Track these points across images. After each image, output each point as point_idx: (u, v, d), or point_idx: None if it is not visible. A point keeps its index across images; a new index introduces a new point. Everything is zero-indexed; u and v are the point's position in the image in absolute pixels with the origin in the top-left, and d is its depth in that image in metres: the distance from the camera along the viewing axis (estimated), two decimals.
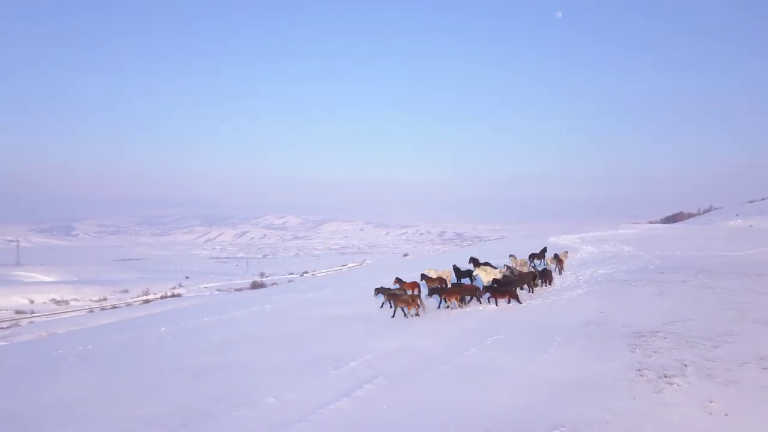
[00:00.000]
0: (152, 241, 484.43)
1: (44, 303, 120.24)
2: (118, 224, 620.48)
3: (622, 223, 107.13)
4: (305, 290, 35.80)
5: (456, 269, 27.29)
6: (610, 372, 12.99)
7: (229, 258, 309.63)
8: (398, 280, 24.36)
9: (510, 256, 31.09)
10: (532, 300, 23.03)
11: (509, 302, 21.78)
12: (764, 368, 12.74)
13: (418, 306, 21.06)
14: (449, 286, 24.15)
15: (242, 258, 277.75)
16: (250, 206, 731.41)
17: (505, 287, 22.56)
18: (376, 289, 23.05)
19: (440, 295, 22.53)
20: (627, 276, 28.06)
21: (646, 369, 12.90)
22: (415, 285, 23.71)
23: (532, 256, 33.49)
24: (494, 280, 23.28)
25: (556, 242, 52.78)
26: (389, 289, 22.61)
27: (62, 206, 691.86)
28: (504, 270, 25.75)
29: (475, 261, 29.42)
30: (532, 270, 27.05)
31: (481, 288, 23.02)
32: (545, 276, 26.47)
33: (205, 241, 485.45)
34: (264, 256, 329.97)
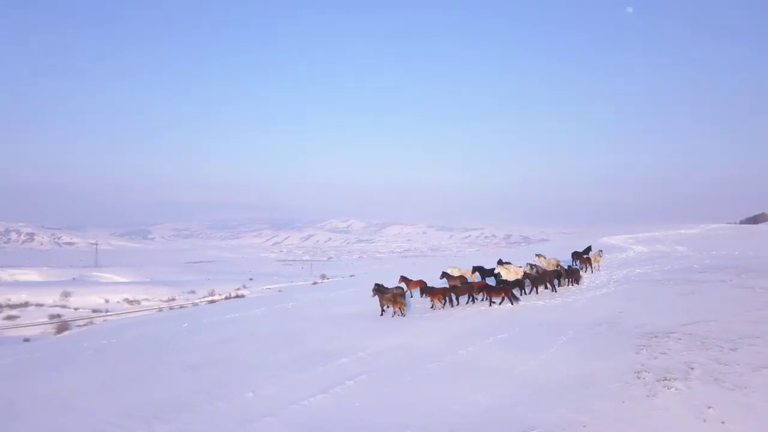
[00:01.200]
0: (222, 244, 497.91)
1: (118, 302, 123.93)
2: (191, 228, 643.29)
3: (689, 223, 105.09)
4: (332, 289, 36.67)
5: (480, 269, 27.07)
6: (606, 373, 12.37)
7: (294, 260, 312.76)
8: (403, 278, 24.36)
9: (537, 255, 30.52)
10: (552, 299, 22.54)
11: (502, 301, 21.51)
12: None
13: (401, 305, 21.06)
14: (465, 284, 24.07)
15: (307, 260, 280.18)
16: (315, 210, 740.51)
17: (502, 286, 22.40)
18: (376, 284, 22.53)
19: (426, 294, 22.52)
20: (663, 276, 26.96)
21: (645, 371, 12.20)
22: (420, 283, 23.68)
23: (576, 255, 32.41)
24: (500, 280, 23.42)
25: (606, 242, 51.84)
26: (383, 286, 22.38)
27: (140, 211, 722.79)
28: (526, 268, 25.46)
29: (499, 261, 28.57)
30: (557, 269, 26.26)
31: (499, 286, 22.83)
32: (572, 275, 25.82)
33: (273, 244, 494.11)
34: (328, 258, 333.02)
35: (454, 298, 22.89)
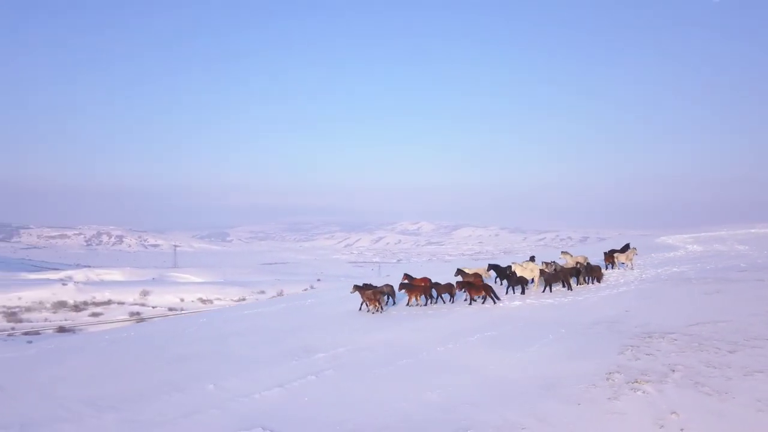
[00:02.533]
0: (296, 246, 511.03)
1: (192, 301, 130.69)
2: (267, 231, 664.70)
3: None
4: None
5: (496, 267, 26.73)
6: (577, 374, 11.69)
7: (365, 262, 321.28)
8: (407, 276, 24.41)
9: (563, 252, 29.96)
10: (564, 297, 21.72)
11: (485, 299, 21.24)
12: None
13: (378, 303, 21.47)
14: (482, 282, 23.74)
15: (377, 262, 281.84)
16: (385, 213, 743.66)
17: (482, 284, 22.45)
18: (354, 286, 23.19)
19: (404, 291, 22.49)
20: (698, 274, 24.99)
21: (620, 372, 11.47)
22: (425, 281, 23.34)
23: (611, 252, 30.87)
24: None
25: (662, 242, 50.39)
26: (370, 285, 23.06)
27: (220, 215, 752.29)
28: (542, 266, 24.87)
29: (531, 258, 28.78)
30: (577, 267, 25.42)
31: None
32: (592, 273, 24.94)
33: (345, 246, 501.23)
34: (398, 260, 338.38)
35: (435, 295, 22.93)
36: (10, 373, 16.01)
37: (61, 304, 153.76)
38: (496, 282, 26.77)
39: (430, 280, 23.42)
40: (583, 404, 10.10)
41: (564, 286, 23.67)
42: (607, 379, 11.23)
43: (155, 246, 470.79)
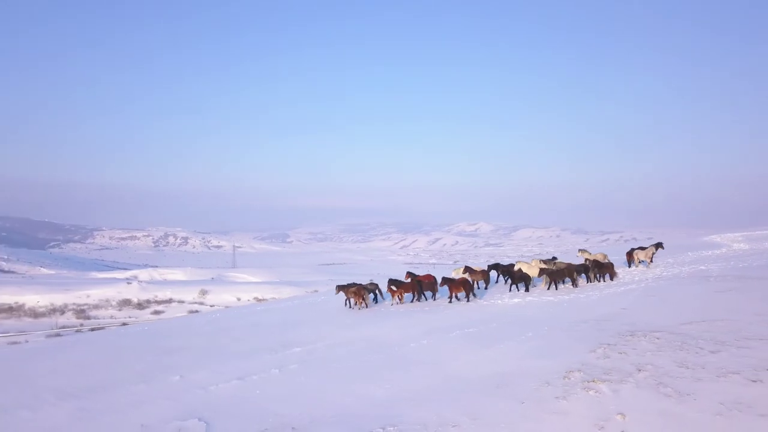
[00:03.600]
0: (354, 247, 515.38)
1: (248, 300, 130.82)
2: (326, 232, 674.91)
3: None
4: None
5: (497, 266, 26.55)
6: (536, 372, 11.27)
7: (421, 263, 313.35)
8: (410, 274, 24.18)
9: (580, 250, 29.58)
10: (567, 294, 21.22)
11: (468, 296, 21.44)
12: (753, 380, 9.86)
13: (363, 299, 22.48)
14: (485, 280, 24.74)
15: (433, 264, 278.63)
16: (443, 214, 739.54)
17: (461, 280, 22.64)
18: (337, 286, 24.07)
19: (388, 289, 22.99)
20: (721, 272, 23.34)
21: (581, 371, 10.96)
22: (429, 277, 23.59)
23: (632, 251, 29.58)
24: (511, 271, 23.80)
25: (709, 240, 48.92)
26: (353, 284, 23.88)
27: (281, 217, 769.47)
28: (543, 264, 24.81)
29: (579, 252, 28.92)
30: (585, 264, 24.51)
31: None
32: (602, 270, 24.00)
33: (401, 248, 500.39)
34: (455, 262, 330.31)
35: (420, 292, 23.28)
36: (5, 363, 16.96)
37: (125, 302, 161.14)
38: (497, 281, 26.82)
39: (433, 277, 23.55)
40: (527, 403, 9.73)
41: (564, 282, 23.47)
42: (565, 377, 10.74)
43: (218, 247, 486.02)
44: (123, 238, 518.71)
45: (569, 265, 24.48)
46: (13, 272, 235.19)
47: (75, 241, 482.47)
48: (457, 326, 16.55)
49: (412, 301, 22.68)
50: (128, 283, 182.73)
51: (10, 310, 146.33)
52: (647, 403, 9.36)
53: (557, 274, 23.11)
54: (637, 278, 24.20)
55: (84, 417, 10.75)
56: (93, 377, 14.04)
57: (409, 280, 23.80)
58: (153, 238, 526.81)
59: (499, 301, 20.88)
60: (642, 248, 29.00)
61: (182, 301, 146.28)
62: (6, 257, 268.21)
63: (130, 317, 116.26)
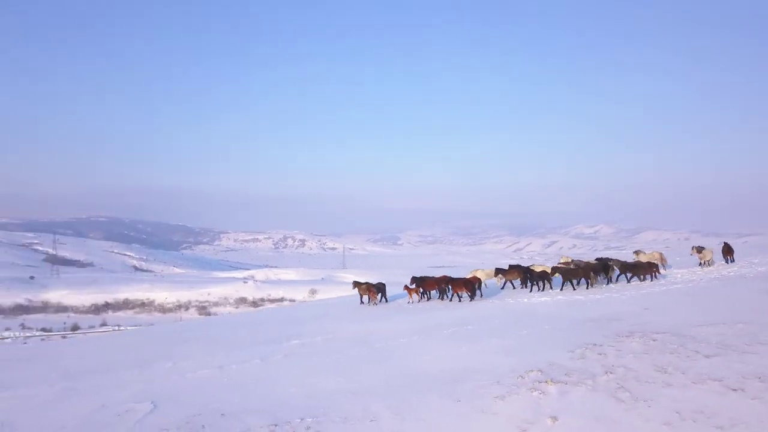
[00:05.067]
0: (464, 250, 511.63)
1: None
2: (436, 234, 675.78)
3: None
4: None
5: (517, 266, 25.34)
6: (495, 369, 10.74)
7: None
8: (414, 279, 24.16)
9: (635, 252, 27.62)
10: (594, 293, 20.02)
11: (471, 295, 21.46)
12: (734, 389, 8.70)
13: (375, 295, 23.45)
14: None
15: None
16: (559, 216, 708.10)
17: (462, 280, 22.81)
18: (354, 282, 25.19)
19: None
20: None
21: (540, 371, 10.29)
22: (443, 280, 23.34)
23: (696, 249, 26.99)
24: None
25: None
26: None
27: (392, 219, 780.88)
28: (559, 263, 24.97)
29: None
30: (608, 263, 23.35)
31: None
32: (636, 270, 22.48)
33: (514, 251, 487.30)
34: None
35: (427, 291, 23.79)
36: (51, 349, 19.36)
37: (241, 300, 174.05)
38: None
39: (449, 277, 23.33)
40: (462, 401, 9.27)
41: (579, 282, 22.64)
42: (520, 377, 10.10)
43: (333, 249, 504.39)
44: (246, 241, 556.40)
45: (587, 263, 23.41)
46: (150, 271, 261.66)
47: (204, 243, 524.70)
48: (456, 323, 16.15)
49: (420, 300, 23.42)
50: (245, 282, 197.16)
51: (143, 306, 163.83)
52: (590, 407, 8.58)
53: (571, 273, 22.08)
54: (680, 278, 22.37)
55: (67, 395, 11.71)
56: (102, 361, 15.26)
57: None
58: (273, 240, 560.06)
59: (525, 300, 20.09)
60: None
61: (293, 300, 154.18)
62: (144, 257, 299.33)
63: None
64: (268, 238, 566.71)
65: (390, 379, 10.98)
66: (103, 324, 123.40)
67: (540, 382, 9.67)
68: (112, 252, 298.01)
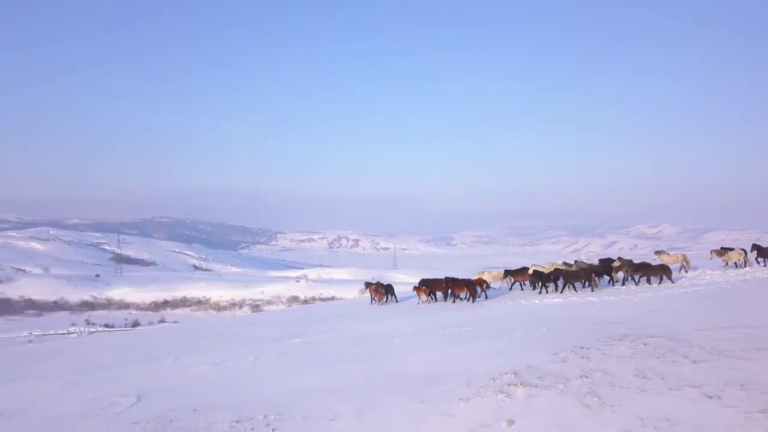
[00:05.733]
0: (519, 250, 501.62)
1: None
2: (491, 235, 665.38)
3: None
4: None
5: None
6: (470, 372, 10.61)
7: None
8: (423, 281, 24.69)
9: (656, 252, 27.03)
10: (613, 295, 19.25)
11: (468, 296, 21.96)
12: (710, 396, 8.23)
13: (382, 295, 24.14)
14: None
15: None
16: (620, 216, 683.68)
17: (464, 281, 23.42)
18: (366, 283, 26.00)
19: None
20: None
21: (515, 373, 10.07)
22: (447, 281, 24.12)
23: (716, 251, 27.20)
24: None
25: None
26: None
27: (446, 219, 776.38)
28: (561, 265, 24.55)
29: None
30: (613, 266, 22.66)
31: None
32: (649, 271, 21.59)
33: (572, 252, 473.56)
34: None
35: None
36: (81, 344, 20.92)
37: (294, 299, 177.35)
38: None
39: (453, 278, 24.05)
40: (426, 402, 9.22)
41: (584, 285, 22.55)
42: (493, 379, 9.94)
43: (386, 249, 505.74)
44: (302, 240, 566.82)
45: (590, 266, 23.04)
46: (209, 270, 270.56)
47: (261, 243, 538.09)
48: (457, 324, 16.00)
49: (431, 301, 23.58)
50: (297, 281, 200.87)
51: (199, 303, 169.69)
52: (551, 412, 8.37)
53: (572, 275, 21.68)
54: (718, 280, 21.15)
55: (69, 388, 12.37)
56: (116, 357, 16.12)
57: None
58: (328, 240, 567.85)
59: (536, 301, 19.78)
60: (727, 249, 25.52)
61: (343, 299, 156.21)
62: (204, 257, 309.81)
63: None
64: (323, 238, 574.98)
65: (368, 379, 11.03)
66: (162, 321, 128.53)
67: (510, 385, 9.48)
68: (174, 251, 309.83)
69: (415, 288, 24.08)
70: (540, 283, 22.12)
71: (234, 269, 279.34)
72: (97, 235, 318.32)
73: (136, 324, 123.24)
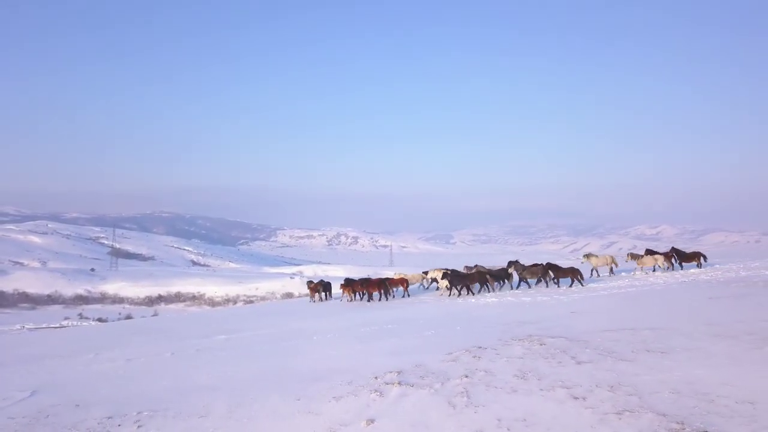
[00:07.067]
0: (518, 249, 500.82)
1: None
2: (490, 234, 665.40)
3: None
4: None
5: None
6: (362, 369, 10.57)
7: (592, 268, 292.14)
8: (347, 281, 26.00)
9: (585, 255, 27.69)
10: (543, 295, 19.46)
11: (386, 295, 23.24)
12: (576, 397, 8.14)
13: (315, 293, 26.39)
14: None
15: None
16: (619, 216, 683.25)
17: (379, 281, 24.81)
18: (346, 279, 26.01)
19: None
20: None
21: (400, 372, 10.05)
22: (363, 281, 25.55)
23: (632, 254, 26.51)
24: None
25: None
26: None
27: (446, 217, 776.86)
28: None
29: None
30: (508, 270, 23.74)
31: None
32: (559, 273, 22.54)
33: (571, 251, 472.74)
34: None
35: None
36: (39, 336, 21.91)
37: (288, 295, 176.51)
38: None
39: (368, 279, 25.78)
40: (301, 400, 9.18)
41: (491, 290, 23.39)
42: (377, 378, 9.89)
43: (384, 246, 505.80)
44: (301, 237, 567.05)
45: (490, 270, 24.50)
46: (207, 266, 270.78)
47: (260, 239, 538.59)
48: (382, 323, 16.05)
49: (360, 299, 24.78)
50: (291, 278, 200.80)
51: (194, 299, 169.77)
52: (415, 412, 8.32)
53: (465, 278, 22.74)
54: (657, 281, 21.08)
55: (28, 377, 12.61)
56: (50, 350, 16.42)
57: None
58: (327, 238, 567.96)
59: (473, 300, 19.94)
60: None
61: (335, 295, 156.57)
62: (202, 252, 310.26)
63: None
64: (322, 235, 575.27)
65: (261, 375, 11.01)
66: (154, 315, 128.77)
67: (387, 384, 9.43)
68: (172, 247, 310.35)
69: (341, 286, 25.45)
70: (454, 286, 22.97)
71: (232, 265, 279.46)
72: (96, 229, 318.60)
73: (128, 318, 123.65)
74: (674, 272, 23.13)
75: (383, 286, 23.17)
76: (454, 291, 22.27)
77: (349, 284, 24.84)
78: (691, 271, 22.86)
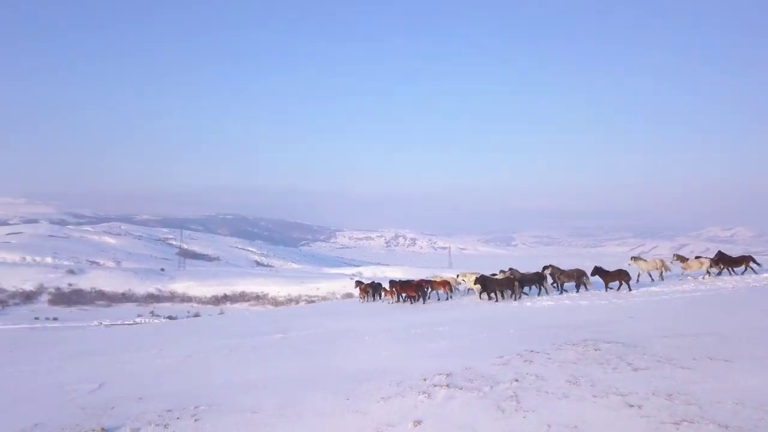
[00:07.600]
0: (582, 252, 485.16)
1: None
2: (553, 235, 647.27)
3: None
4: None
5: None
6: (410, 371, 10.54)
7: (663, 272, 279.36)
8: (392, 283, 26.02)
9: (632, 258, 26.18)
10: (601, 299, 18.61)
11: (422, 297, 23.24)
12: (631, 405, 7.84)
13: (366, 295, 26.64)
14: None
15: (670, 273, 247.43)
16: (691, 217, 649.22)
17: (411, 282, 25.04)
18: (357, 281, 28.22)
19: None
20: None
21: (450, 374, 9.88)
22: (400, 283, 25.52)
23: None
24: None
25: None
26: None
27: (507, 218, 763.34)
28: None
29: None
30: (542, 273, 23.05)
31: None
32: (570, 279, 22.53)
33: (638, 254, 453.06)
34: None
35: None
36: (104, 333, 24.27)
37: (348, 295, 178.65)
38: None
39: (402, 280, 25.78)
40: (350, 400, 9.28)
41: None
42: (425, 379, 9.82)
43: (443, 248, 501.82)
44: (360, 239, 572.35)
45: (523, 275, 23.71)
46: (270, 266, 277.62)
47: (321, 240, 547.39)
48: (432, 324, 15.97)
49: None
50: (351, 278, 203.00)
51: (257, 298, 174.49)
52: (462, 415, 8.26)
53: (494, 283, 22.34)
54: (714, 285, 20.26)
55: (45, 374, 13.43)
56: (119, 344, 17.54)
57: None
58: (385, 239, 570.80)
59: (528, 304, 19.43)
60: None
61: None
62: (265, 253, 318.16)
63: None
64: (381, 236, 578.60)
65: (312, 374, 11.22)
66: (221, 313, 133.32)
67: (435, 386, 9.40)
68: (237, 248, 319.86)
69: (384, 289, 26.24)
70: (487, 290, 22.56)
71: (294, 265, 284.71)
72: (165, 230, 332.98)
73: (197, 316, 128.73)
74: (744, 276, 21.75)
75: (421, 289, 23.53)
76: (485, 295, 22.10)
77: (393, 286, 25.24)
78: (763, 276, 21.48)
